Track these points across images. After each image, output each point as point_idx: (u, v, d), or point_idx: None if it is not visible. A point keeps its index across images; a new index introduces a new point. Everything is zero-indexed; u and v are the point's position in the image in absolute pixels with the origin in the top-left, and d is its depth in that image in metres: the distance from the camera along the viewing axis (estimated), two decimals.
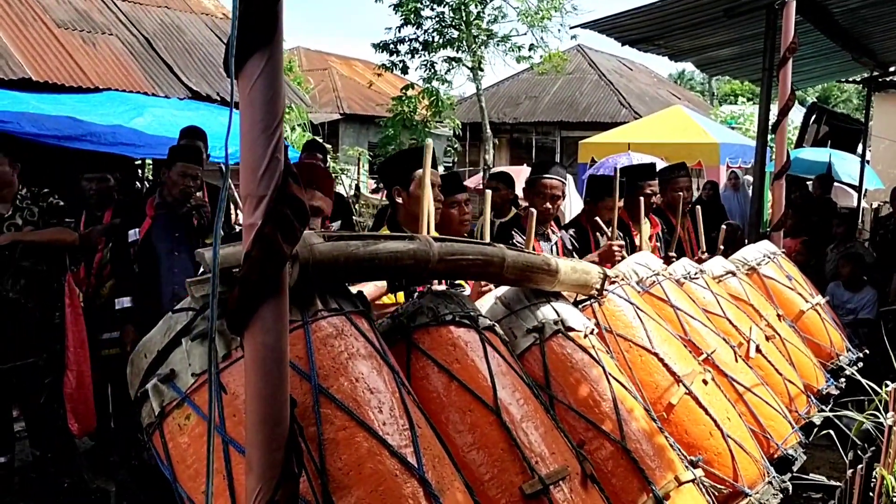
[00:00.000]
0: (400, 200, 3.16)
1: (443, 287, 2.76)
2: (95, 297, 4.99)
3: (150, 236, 4.45)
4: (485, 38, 18.55)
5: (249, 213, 1.35)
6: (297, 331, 1.72)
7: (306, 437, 1.58)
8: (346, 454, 1.62)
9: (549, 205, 4.18)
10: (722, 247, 4.63)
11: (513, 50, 19.12)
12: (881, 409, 3.09)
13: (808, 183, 10.65)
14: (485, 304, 2.60)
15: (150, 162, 10.36)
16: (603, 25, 7.28)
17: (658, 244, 4.78)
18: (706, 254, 4.49)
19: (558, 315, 2.58)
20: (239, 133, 1.39)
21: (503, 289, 2.66)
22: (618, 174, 3.95)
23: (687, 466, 2.48)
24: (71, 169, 5.60)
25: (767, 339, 3.85)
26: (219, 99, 9.92)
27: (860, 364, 4.49)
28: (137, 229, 4.51)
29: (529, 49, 19.23)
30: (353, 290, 2.00)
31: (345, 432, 1.65)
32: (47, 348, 4.38)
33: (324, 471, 1.58)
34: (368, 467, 1.62)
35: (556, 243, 4.30)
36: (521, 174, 15.45)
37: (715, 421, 2.85)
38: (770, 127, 6.15)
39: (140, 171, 10.26)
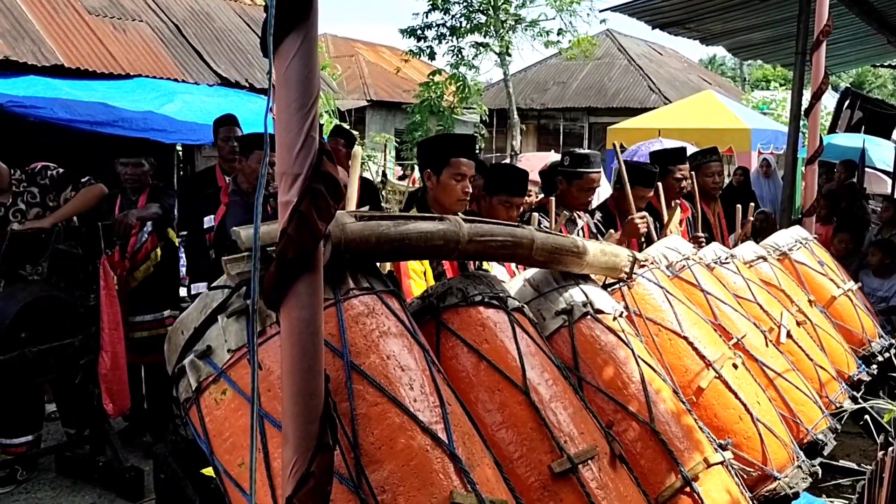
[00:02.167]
0: (430, 184, 3.18)
1: None
2: (129, 280, 5.09)
3: (224, 223, 4.55)
4: (513, 22, 18.44)
5: (285, 191, 1.37)
6: (329, 309, 1.74)
7: (339, 412, 1.61)
8: (378, 429, 1.65)
9: (591, 198, 4.28)
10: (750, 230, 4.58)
11: (541, 35, 18.97)
12: None
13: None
14: (513, 286, 2.62)
15: (180, 148, 10.49)
16: (633, 9, 7.21)
17: (688, 229, 4.76)
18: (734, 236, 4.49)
19: (587, 297, 2.59)
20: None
21: (532, 271, 2.67)
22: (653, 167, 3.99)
23: (716, 449, 2.48)
24: (106, 153, 5.68)
25: (798, 324, 3.81)
26: (247, 85, 9.99)
27: (893, 351, 4.44)
28: (213, 216, 4.63)
29: (558, 34, 19.08)
30: None
31: (377, 408, 1.67)
32: (83, 330, 4.46)
33: (356, 445, 1.61)
34: (400, 442, 1.65)
35: (582, 227, 4.30)
36: (547, 160, 15.38)
37: (745, 405, 2.84)
38: (803, 112, 6.07)
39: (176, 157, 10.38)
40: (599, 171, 4.28)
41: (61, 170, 4.60)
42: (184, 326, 1.82)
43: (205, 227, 4.65)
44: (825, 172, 9.72)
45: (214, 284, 1.81)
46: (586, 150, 4.23)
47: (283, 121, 1.37)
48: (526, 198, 7.28)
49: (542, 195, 6.13)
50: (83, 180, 4.55)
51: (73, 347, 4.39)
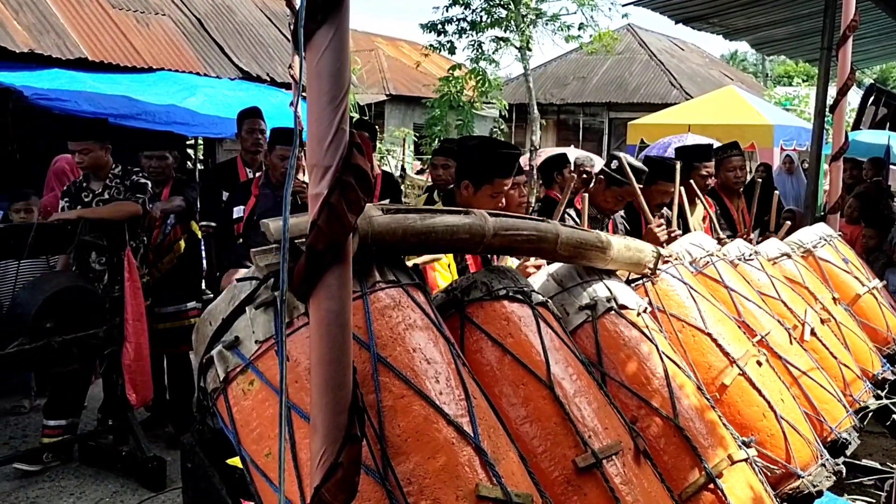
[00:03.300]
0: (465, 192, 3.16)
1: None
2: (153, 272, 5.13)
3: (254, 214, 4.62)
4: (533, 17, 18.31)
5: (315, 183, 1.38)
6: (356, 301, 1.74)
7: (365, 404, 1.61)
8: (403, 421, 1.65)
9: (622, 208, 4.29)
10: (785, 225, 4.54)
11: (562, 29, 18.84)
12: None
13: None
14: (537, 280, 2.61)
15: (202, 141, 10.55)
16: (656, 3, 7.17)
17: (711, 226, 4.73)
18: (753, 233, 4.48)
19: (611, 293, 2.58)
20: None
21: (555, 265, 2.66)
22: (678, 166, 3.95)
23: (740, 446, 2.47)
24: (129, 146, 5.74)
25: (823, 322, 3.79)
26: (268, 79, 10.04)
27: None
28: (242, 207, 4.72)
29: (579, 28, 18.96)
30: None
31: (403, 400, 1.68)
32: (107, 321, 4.51)
33: (382, 437, 1.62)
34: (426, 434, 1.65)
35: (607, 224, 4.29)
36: (568, 155, 15.24)
37: (768, 402, 2.82)
38: (828, 108, 6.01)
39: (192, 150, 10.46)
40: (640, 187, 4.18)
41: (143, 180, 4.78)
42: (212, 317, 1.83)
43: (234, 217, 4.73)
44: (852, 168, 9.59)
45: (243, 275, 1.82)
46: (639, 164, 4.10)
47: (314, 113, 1.37)
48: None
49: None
50: (137, 194, 4.66)
51: (97, 338, 4.44)
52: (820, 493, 2.81)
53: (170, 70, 8.97)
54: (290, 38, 6.61)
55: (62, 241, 4.44)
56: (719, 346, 2.87)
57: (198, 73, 9.24)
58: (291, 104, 6.35)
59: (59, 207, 4.83)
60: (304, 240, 1.42)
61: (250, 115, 5.41)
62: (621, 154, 4.19)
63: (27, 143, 7.59)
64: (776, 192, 4.86)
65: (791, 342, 3.36)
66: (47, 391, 4.93)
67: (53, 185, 5.85)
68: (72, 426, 4.78)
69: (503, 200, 3.18)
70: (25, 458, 4.66)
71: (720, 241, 3.98)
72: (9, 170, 7.48)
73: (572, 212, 4.17)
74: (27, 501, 4.41)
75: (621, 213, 4.58)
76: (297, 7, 1.31)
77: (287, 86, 8.81)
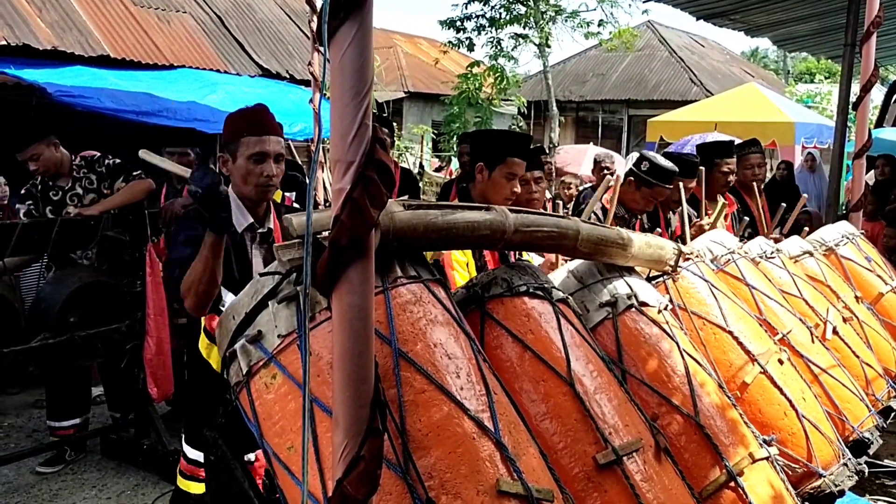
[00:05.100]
0: (480, 177, 3.16)
1: None
2: None
3: None
4: (553, 13, 18.25)
5: (339, 178, 1.38)
6: (377, 296, 1.75)
7: (387, 398, 1.62)
8: (425, 416, 1.66)
9: (651, 207, 4.25)
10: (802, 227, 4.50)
11: (581, 26, 18.77)
12: None
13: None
14: (557, 277, 2.61)
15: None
16: None
17: (733, 223, 4.70)
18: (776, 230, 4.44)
19: (631, 290, 2.57)
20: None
21: (576, 262, 2.66)
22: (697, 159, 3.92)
23: (761, 444, 2.46)
24: (150, 143, 5.77)
25: (845, 320, 3.76)
26: (288, 76, 10.08)
27: None
28: None
29: (598, 25, 18.88)
30: None
31: (424, 395, 1.69)
32: (129, 315, 4.55)
33: (404, 431, 1.63)
34: (447, 429, 1.66)
35: (634, 224, 4.27)
36: (587, 153, 15.19)
37: (790, 401, 2.80)
38: (851, 105, 5.94)
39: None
40: (671, 188, 4.12)
41: (117, 160, 4.77)
42: (235, 311, 1.85)
43: None
44: (884, 164, 9.46)
45: (265, 270, 1.83)
46: (670, 165, 4.01)
47: (337, 109, 1.38)
48: (566, 190, 7.22)
49: (585, 186, 6.05)
50: (135, 174, 4.67)
51: (119, 332, 4.49)
52: (841, 493, 2.79)
53: (190, 67, 9.03)
54: (309, 35, 6.64)
55: (85, 236, 4.48)
56: (740, 343, 2.86)
57: (218, 71, 9.29)
58: (310, 101, 6.37)
59: (22, 212, 4.58)
60: (326, 234, 1.43)
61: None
62: (650, 154, 4.11)
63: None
64: (804, 197, 4.78)
65: (813, 340, 3.34)
66: (46, 398, 4.95)
67: None
68: (85, 423, 4.84)
69: (518, 186, 3.17)
70: (46, 450, 4.72)
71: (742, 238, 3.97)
72: None
73: (598, 211, 4.15)
74: (50, 494, 4.46)
75: None
76: (319, 5, 1.31)
77: (306, 83, 8.85)
